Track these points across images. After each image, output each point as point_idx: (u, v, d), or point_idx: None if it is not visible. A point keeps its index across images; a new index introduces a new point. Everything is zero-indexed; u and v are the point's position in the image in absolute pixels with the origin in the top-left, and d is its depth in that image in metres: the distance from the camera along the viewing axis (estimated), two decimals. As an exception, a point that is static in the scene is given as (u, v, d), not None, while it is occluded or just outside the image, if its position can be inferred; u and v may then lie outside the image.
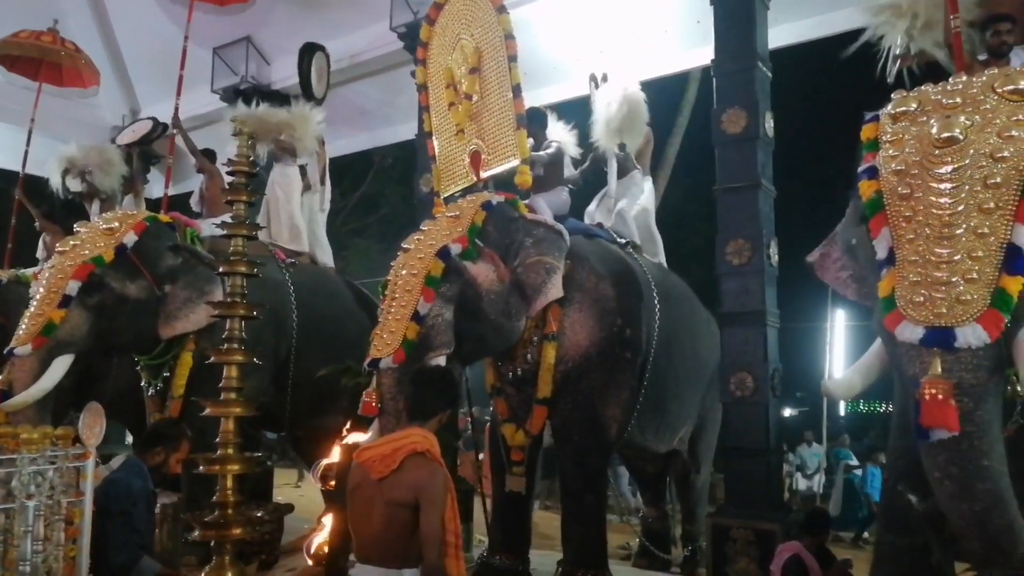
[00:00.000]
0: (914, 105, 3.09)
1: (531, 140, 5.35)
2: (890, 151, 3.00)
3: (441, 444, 3.05)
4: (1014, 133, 2.81)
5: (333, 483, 4.82)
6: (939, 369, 2.61)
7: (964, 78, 3.16)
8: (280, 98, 7.74)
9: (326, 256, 7.38)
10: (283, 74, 8.37)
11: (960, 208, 2.74)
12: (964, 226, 2.72)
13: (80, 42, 8.73)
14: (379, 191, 17.74)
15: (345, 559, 4.01)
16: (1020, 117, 2.88)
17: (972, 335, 2.61)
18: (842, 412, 20.08)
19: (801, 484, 11.84)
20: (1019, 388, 3.03)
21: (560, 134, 5.98)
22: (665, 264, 6.41)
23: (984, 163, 2.76)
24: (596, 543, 4.91)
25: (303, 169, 7.30)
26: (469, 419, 8.34)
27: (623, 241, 5.76)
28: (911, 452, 2.98)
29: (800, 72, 8.70)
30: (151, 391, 5.75)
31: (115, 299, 5.32)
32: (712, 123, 5.97)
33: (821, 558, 4.27)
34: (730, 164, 5.44)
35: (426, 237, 4.59)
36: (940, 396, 2.55)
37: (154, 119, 9.09)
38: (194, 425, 4.44)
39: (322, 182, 7.47)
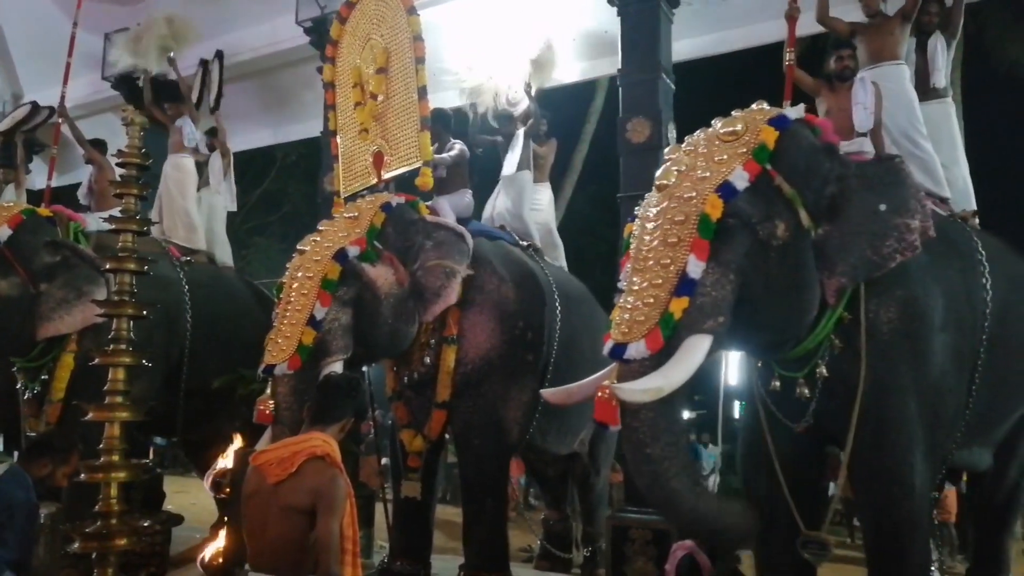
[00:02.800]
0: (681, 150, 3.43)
1: (435, 143, 5.32)
2: (648, 196, 3.37)
3: (341, 450, 2.98)
4: (706, 174, 3.15)
5: (227, 490, 4.65)
6: (614, 378, 3.05)
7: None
8: (174, 89, 7.41)
9: (225, 255, 7.15)
10: (180, 64, 8.02)
11: (655, 243, 3.13)
12: (654, 259, 3.11)
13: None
14: (282, 189, 17.33)
15: (241, 570, 3.88)
16: (721, 157, 3.19)
17: (635, 350, 2.99)
18: (737, 415, 20.86)
19: (699, 484, 12.25)
20: (806, 391, 3.49)
21: None
22: (566, 268, 6.50)
23: (676, 204, 3.14)
24: (497, 546, 4.92)
25: (200, 165, 7.04)
26: (372, 423, 8.21)
27: (525, 244, 5.79)
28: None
29: (703, 85, 9.00)
30: (27, 394, 5.40)
31: None
32: (617, 132, 6.11)
33: (714, 556, 4.40)
34: (634, 172, 5.57)
35: (323, 239, 4.50)
36: (605, 398, 2.95)
37: (34, 103, 8.55)
38: (75, 431, 4.21)
39: (225, 177, 7.22)
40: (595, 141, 13.62)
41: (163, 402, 5.80)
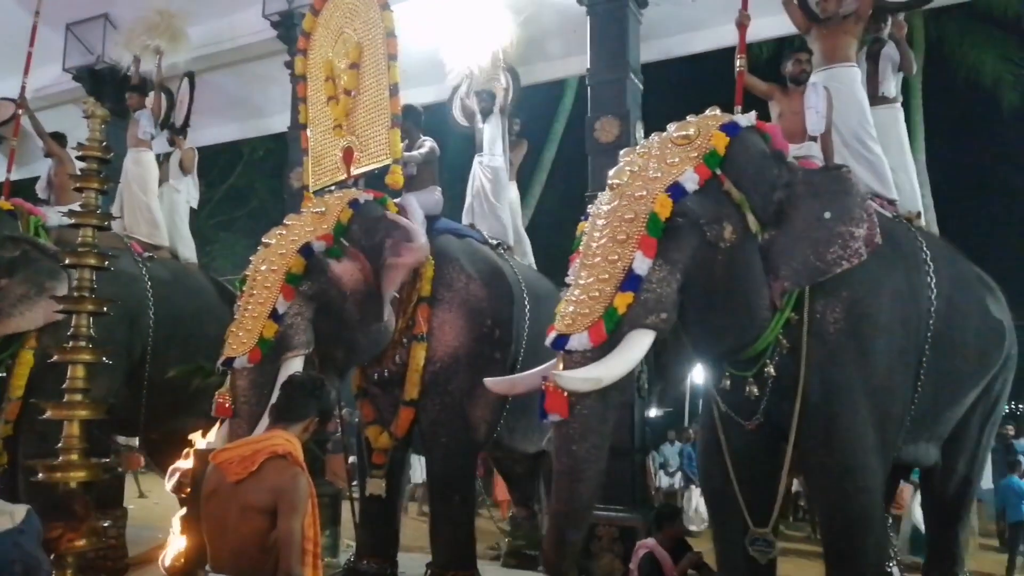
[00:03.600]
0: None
1: (405, 140, 5.30)
2: (601, 196, 3.45)
3: (304, 449, 2.95)
4: (657, 175, 3.23)
5: (189, 490, 4.58)
6: (558, 368, 3.10)
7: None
8: (140, 89, 7.28)
9: (188, 250, 7.06)
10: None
11: (604, 240, 3.20)
12: (602, 255, 3.17)
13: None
14: (248, 184, 17.11)
15: (203, 571, 3.83)
16: (672, 160, 3.27)
17: (577, 342, 3.06)
18: (703, 412, 21.08)
19: (664, 481, 12.33)
20: (754, 390, 3.58)
21: None
22: (535, 266, 6.52)
23: (626, 202, 3.21)
24: (465, 544, 4.92)
25: (160, 157, 6.94)
26: (339, 421, 8.16)
27: (495, 242, 5.80)
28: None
29: (670, 85, 9.09)
30: (-15, 392, 5.28)
31: None
32: (586, 131, 6.15)
33: (678, 552, 4.45)
34: (602, 171, 5.51)
35: (289, 232, 4.45)
36: (551, 389, 3.00)
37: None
38: (34, 429, 4.12)
39: (185, 173, 7.12)
40: (564, 140, 13.63)
41: (125, 400, 5.70)
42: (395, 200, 5.04)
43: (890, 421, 3.72)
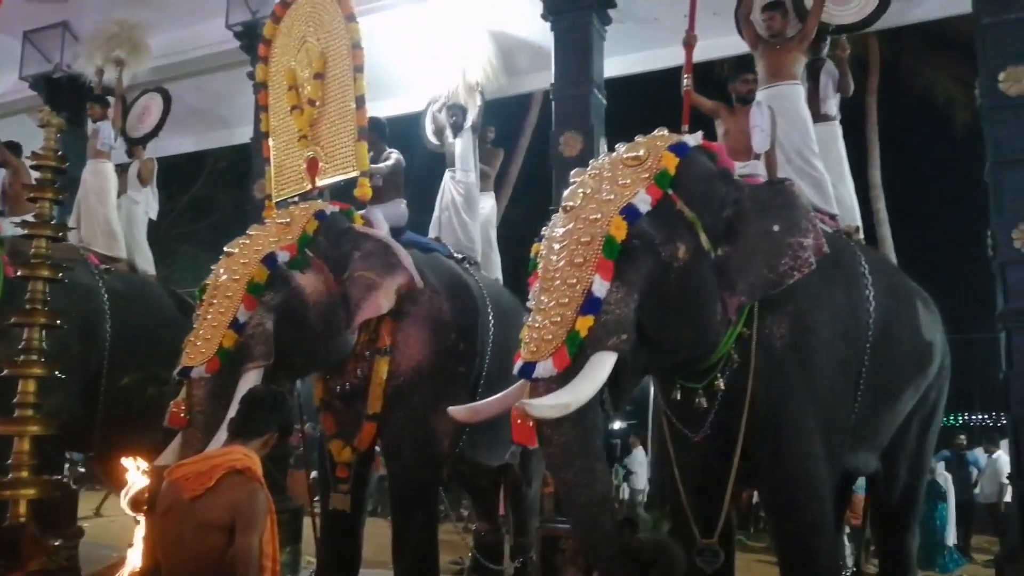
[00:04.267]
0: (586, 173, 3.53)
1: (371, 152, 5.29)
2: (555, 218, 3.45)
3: (263, 465, 2.90)
4: (610, 197, 3.27)
5: (146, 508, 4.48)
6: (526, 397, 3.08)
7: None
8: (102, 100, 7.17)
9: (146, 263, 6.97)
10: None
11: (562, 263, 3.21)
12: (561, 278, 3.18)
13: None
14: (211, 195, 16.89)
15: (158, 589, 3.74)
16: (624, 181, 3.32)
17: (543, 368, 3.06)
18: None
19: (626, 492, 12.38)
20: (703, 402, 3.62)
21: None
22: (501, 280, 6.53)
23: (582, 225, 3.23)
24: (427, 559, 4.87)
25: (119, 168, 6.84)
26: (301, 436, 8.06)
27: (460, 256, 5.80)
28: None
29: (633, 100, 9.19)
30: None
31: None
32: (550, 145, 6.19)
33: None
34: (566, 185, 5.62)
35: (252, 242, 4.40)
36: (520, 419, 2.99)
37: None
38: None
39: (144, 184, 7.02)
40: (529, 153, 13.73)
41: (79, 415, 5.57)
42: (360, 212, 5.02)
43: (836, 431, 3.82)
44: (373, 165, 5.24)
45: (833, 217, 4.74)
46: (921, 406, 4.75)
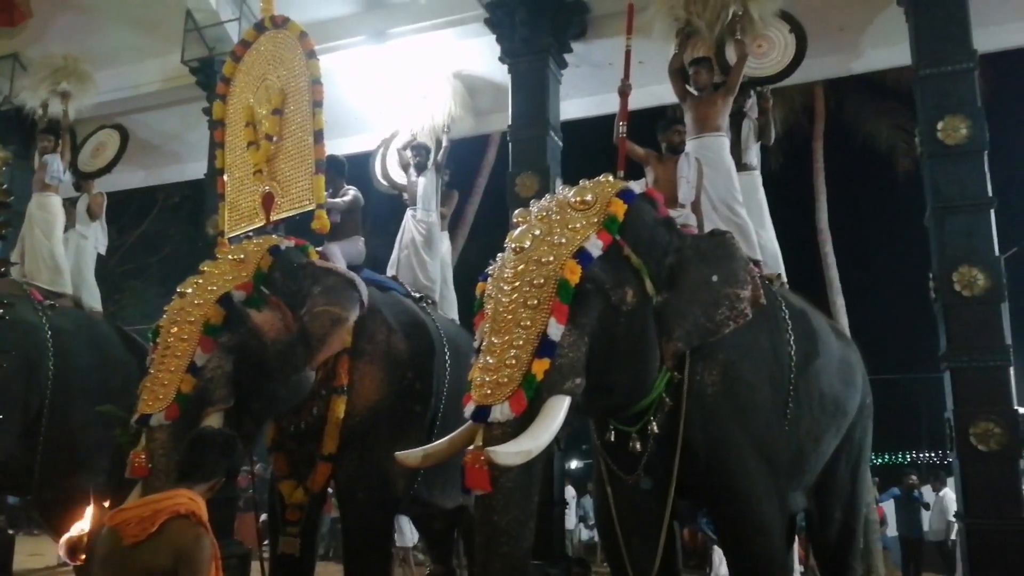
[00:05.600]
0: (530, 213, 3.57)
1: (329, 189, 5.26)
2: (501, 256, 3.45)
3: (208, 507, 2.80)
4: (561, 240, 3.31)
5: (83, 556, 4.29)
6: (480, 441, 3.02)
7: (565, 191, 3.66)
8: (52, 132, 7.03)
9: (93, 299, 6.78)
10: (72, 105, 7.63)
11: (514, 306, 3.20)
12: (513, 320, 3.17)
13: None
14: (162, 230, 16.57)
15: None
16: (575, 225, 3.38)
17: (500, 412, 3.02)
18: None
19: (584, 534, 12.28)
20: (637, 445, 3.65)
21: None
22: (458, 320, 6.52)
23: (534, 267, 3.23)
24: (380, 603, 4.76)
25: (68, 202, 6.69)
26: (251, 477, 7.85)
27: (417, 295, 5.78)
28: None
29: (588, 143, 9.37)
30: None
31: None
32: (507, 186, 6.26)
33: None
34: (523, 225, 5.68)
35: (206, 281, 4.29)
36: (477, 465, 2.94)
37: None
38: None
39: (93, 218, 6.87)
40: (487, 194, 13.82)
41: (18, 457, 5.37)
42: (317, 248, 4.97)
43: (778, 469, 3.93)
44: (331, 200, 5.22)
45: (756, 263, 4.87)
46: (847, 445, 4.88)
